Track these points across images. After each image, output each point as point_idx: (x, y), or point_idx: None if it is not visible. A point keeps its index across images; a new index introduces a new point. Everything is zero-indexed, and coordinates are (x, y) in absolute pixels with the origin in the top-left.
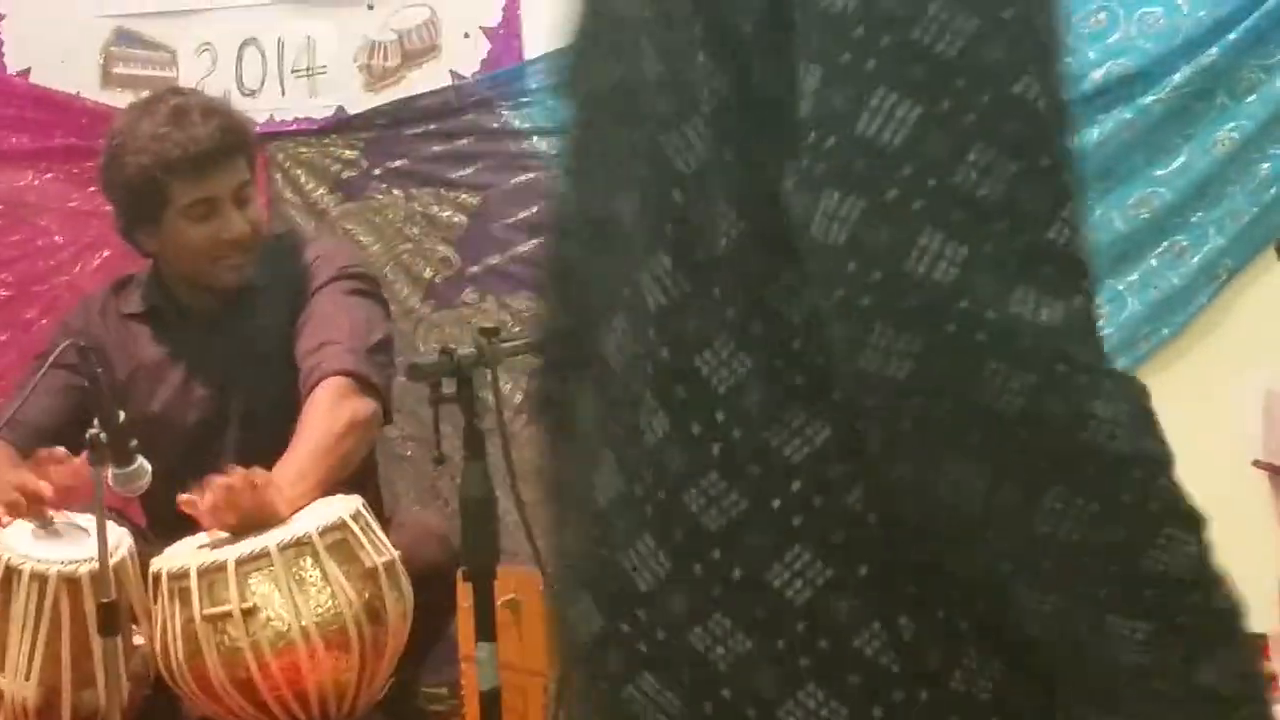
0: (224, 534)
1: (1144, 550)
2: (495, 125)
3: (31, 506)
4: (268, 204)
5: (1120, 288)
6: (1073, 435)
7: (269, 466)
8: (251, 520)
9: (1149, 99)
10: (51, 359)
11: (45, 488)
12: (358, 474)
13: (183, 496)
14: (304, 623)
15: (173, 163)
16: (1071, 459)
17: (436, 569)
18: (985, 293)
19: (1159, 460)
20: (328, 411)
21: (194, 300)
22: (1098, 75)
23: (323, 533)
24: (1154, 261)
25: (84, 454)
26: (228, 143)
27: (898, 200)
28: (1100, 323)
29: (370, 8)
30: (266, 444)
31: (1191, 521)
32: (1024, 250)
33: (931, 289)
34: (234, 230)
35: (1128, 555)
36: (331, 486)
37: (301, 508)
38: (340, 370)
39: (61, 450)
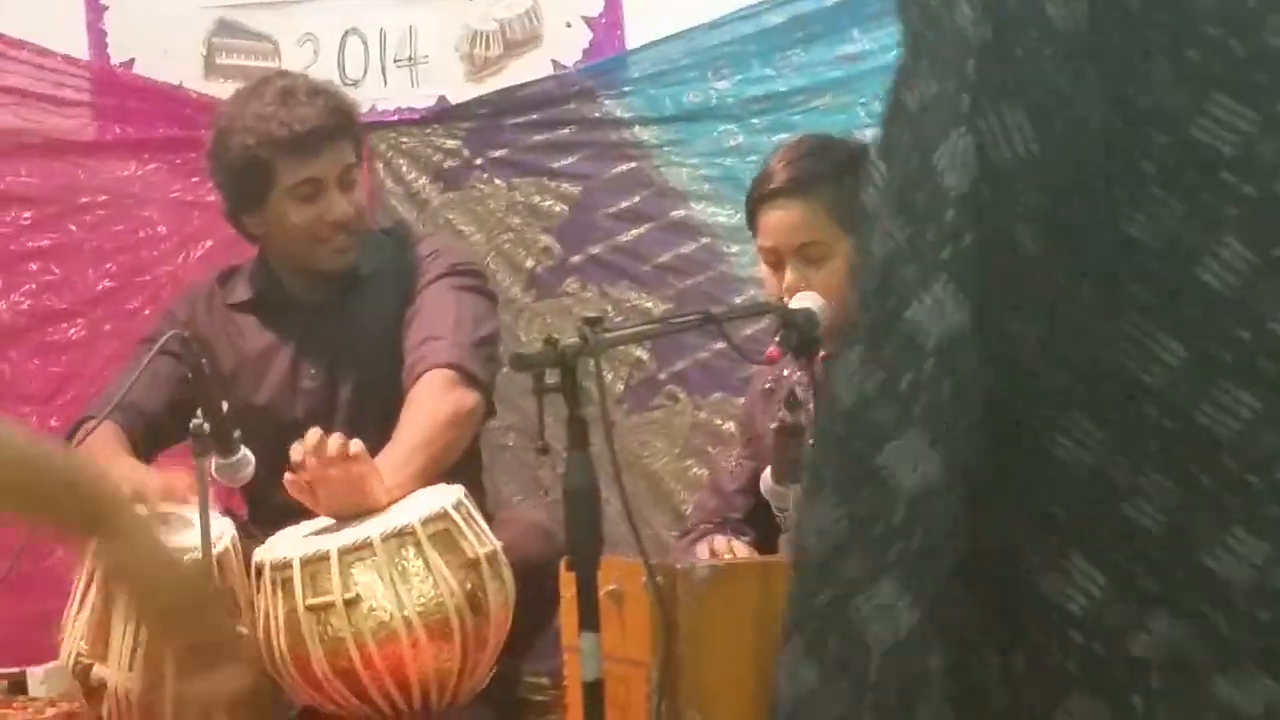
0: (327, 523)
1: None
2: (597, 114)
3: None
4: (370, 194)
5: None
6: None
7: (374, 457)
8: (345, 499)
9: None
10: (157, 346)
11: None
12: (461, 466)
13: (287, 477)
14: (406, 613)
15: (278, 142)
16: None
17: (539, 563)
18: None
19: None
20: (431, 403)
21: (300, 288)
22: None
23: (425, 522)
24: None
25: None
26: (333, 124)
27: None
28: None
29: None
30: (373, 436)
31: None
32: None
33: None
34: (337, 212)
35: None
36: (433, 477)
37: (401, 497)
38: (445, 363)
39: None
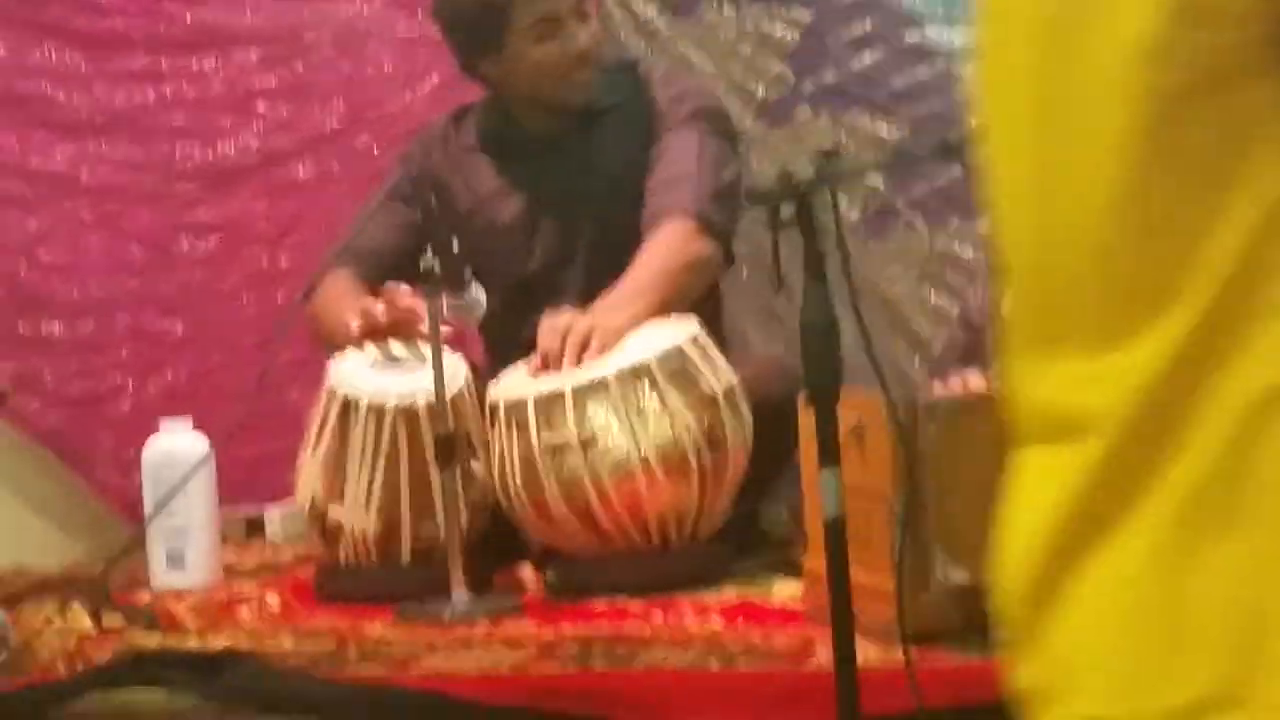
0: None
1: None
2: None
3: (370, 330)
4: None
5: None
6: None
7: None
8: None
9: None
10: (386, 189)
11: (381, 312)
12: (700, 305)
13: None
14: (643, 451)
15: None
16: None
17: (778, 402)
18: None
19: None
20: (667, 249)
21: (536, 125)
22: None
23: (660, 359)
24: None
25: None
26: None
27: None
28: None
29: None
30: (612, 277)
31: None
32: None
33: None
34: (579, 44)
35: None
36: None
37: (628, 333)
38: (686, 211)
39: (404, 286)
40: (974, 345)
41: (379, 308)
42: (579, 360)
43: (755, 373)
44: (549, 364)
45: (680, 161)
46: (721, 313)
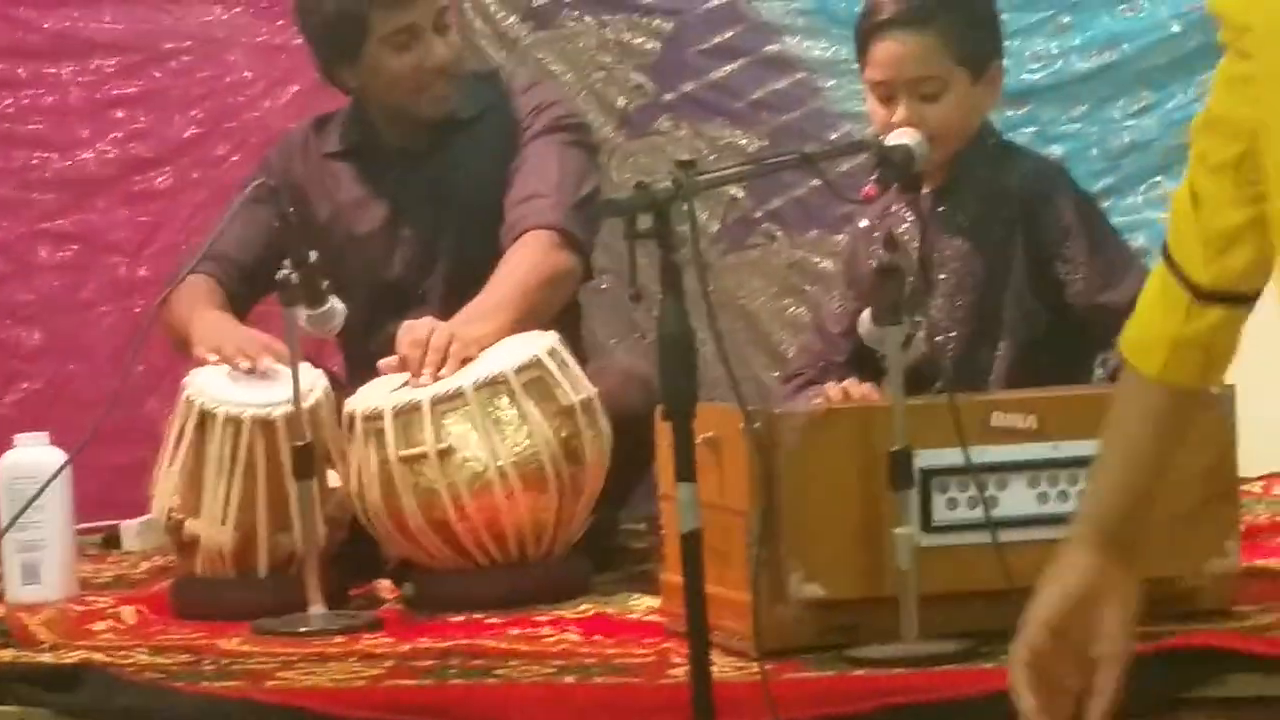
0: None
1: None
2: None
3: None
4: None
5: None
6: None
7: None
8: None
9: None
10: (244, 195)
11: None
12: (560, 320)
13: (381, 362)
14: (501, 463)
15: None
16: None
17: (636, 412)
18: None
19: None
20: (527, 263)
21: (397, 136)
22: None
23: (518, 370)
24: None
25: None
26: None
27: None
28: None
29: None
30: (472, 288)
31: None
32: None
33: None
34: (436, 57)
35: None
36: (521, 332)
37: (488, 345)
38: (546, 224)
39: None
40: (831, 353)
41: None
42: (438, 371)
43: (614, 384)
44: (408, 370)
45: (539, 174)
46: (581, 324)
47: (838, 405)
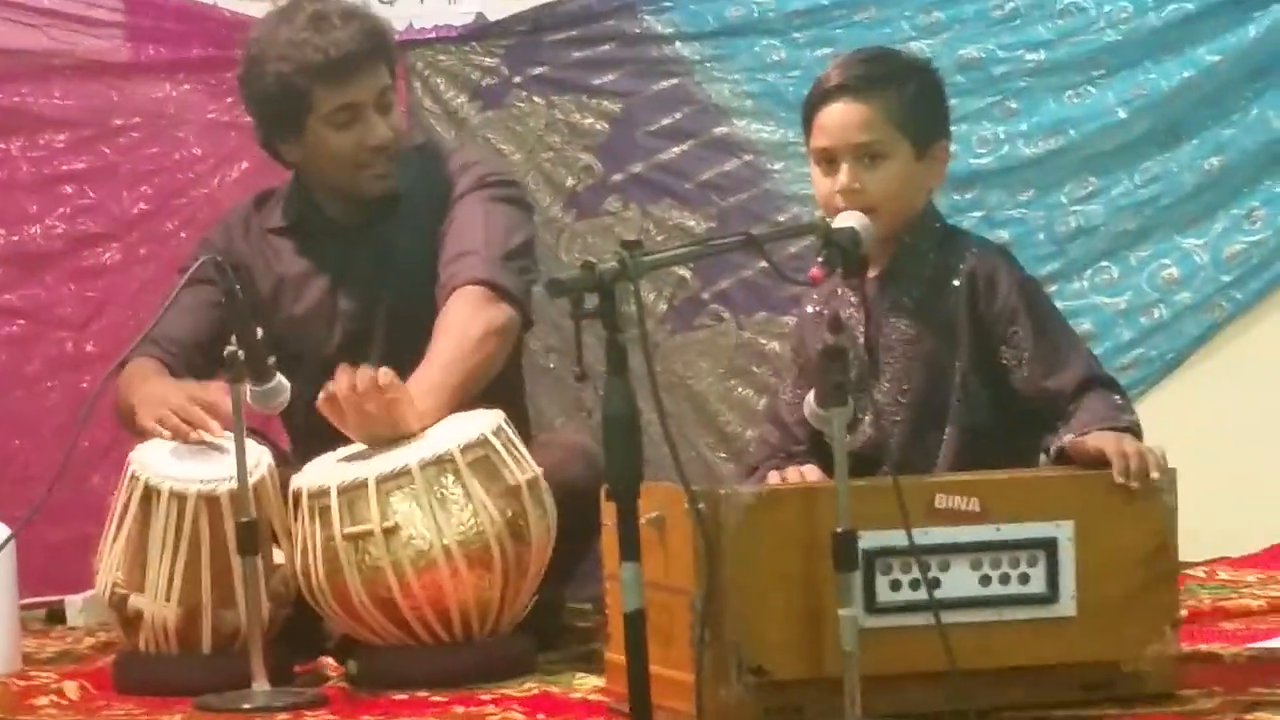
0: (362, 448)
1: None
2: (637, 30)
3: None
4: (407, 113)
5: (1278, 189)
6: None
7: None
8: (379, 425)
9: None
10: (189, 274)
11: (200, 415)
12: (502, 389)
13: (320, 396)
14: (446, 541)
15: (314, 68)
16: None
17: (581, 488)
18: None
19: None
20: (463, 321)
21: (337, 212)
22: None
23: (464, 449)
24: None
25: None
26: (369, 46)
27: None
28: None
29: None
30: (411, 358)
31: None
32: None
33: None
34: (378, 137)
35: None
36: (470, 397)
37: (436, 420)
38: (476, 279)
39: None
40: (788, 443)
41: (173, 412)
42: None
43: (559, 459)
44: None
45: (468, 231)
46: (524, 399)
47: (781, 486)
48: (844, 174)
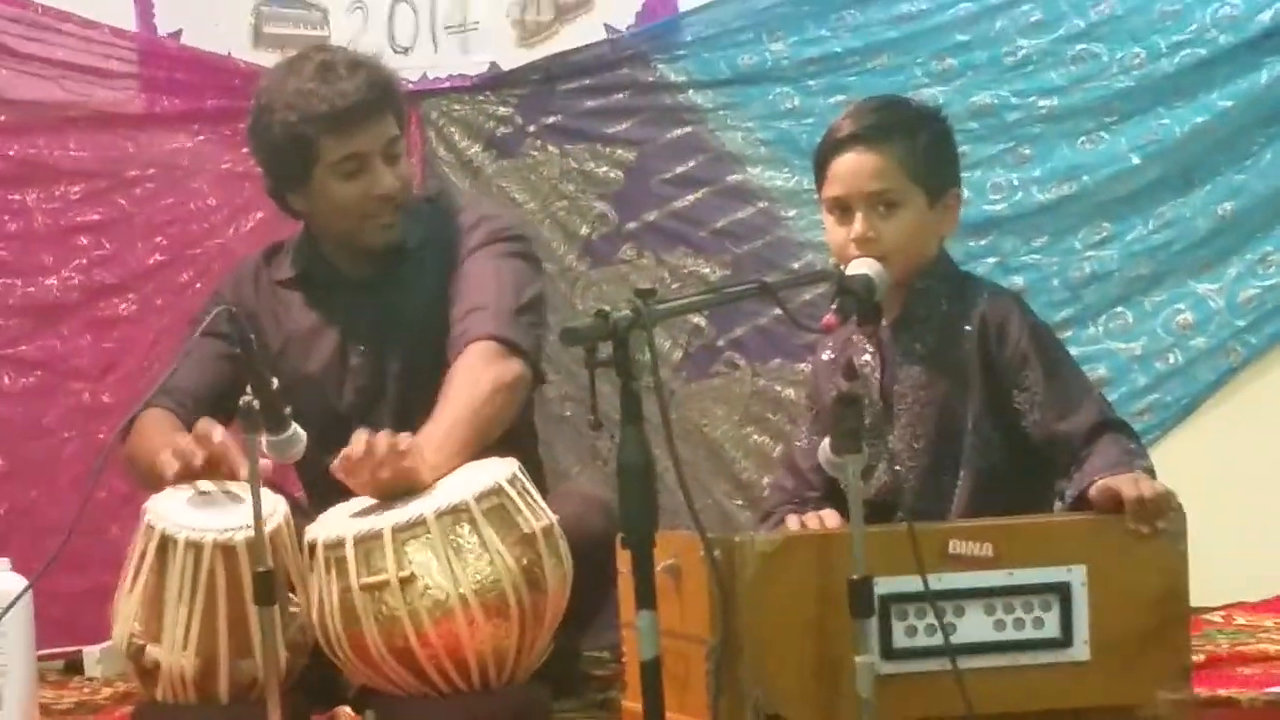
0: (377, 500)
1: None
2: (650, 79)
3: (185, 473)
4: (422, 163)
5: None
6: None
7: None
8: (393, 487)
9: None
10: (204, 326)
11: (194, 453)
12: (516, 439)
13: (334, 462)
14: (462, 590)
15: (320, 118)
16: None
17: (598, 539)
18: None
19: None
20: (472, 376)
21: (346, 263)
22: (1265, 17)
23: (479, 498)
24: None
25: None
26: (375, 96)
27: None
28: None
29: None
30: (425, 410)
31: None
32: None
33: None
34: (384, 186)
35: None
36: (480, 450)
37: (446, 473)
38: (486, 335)
39: (207, 422)
40: (804, 489)
41: (192, 450)
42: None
43: (575, 509)
44: (352, 467)
45: (479, 287)
46: (538, 449)
47: (797, 533)
48: (858, 223)
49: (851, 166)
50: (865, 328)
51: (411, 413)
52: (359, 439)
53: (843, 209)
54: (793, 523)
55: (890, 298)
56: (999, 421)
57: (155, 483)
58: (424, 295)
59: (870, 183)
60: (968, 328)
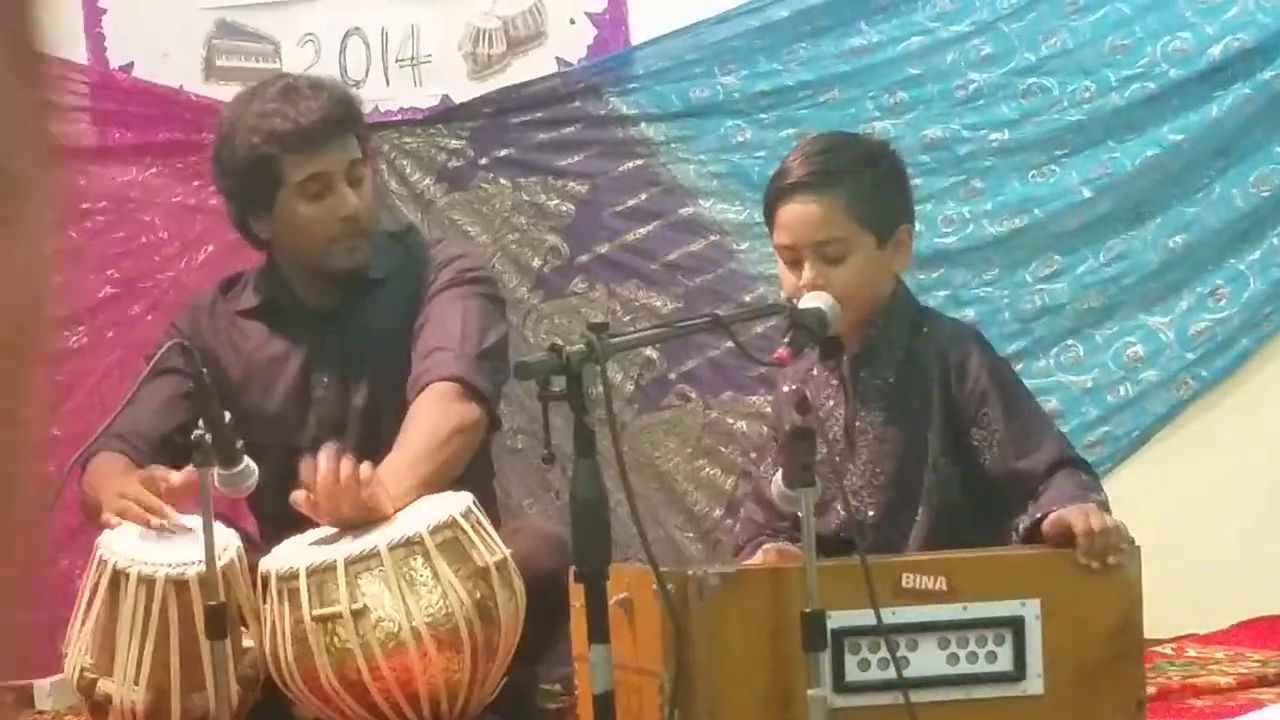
0: (331, 531)
1: None
2: (602, 112)
3: (140, 514)
4: (374, 190)
5: (1242, 267)
6: None
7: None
8: (354, 516)
9: (1268, 74)
10: (153, 362)
11: (156, 501)
12: (470, 473)
13: (295, 494)
14: (415, 623)
15: (283, 137)
16: None
17: (550, 571)
18: None
19: None
20: (434, 416)
21: (310, 292)
22: (1216, 51)
23: (433, 531)
24: (1276, 240)
25: (190, 460)
26: (338, 115)
27: None
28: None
29: None
30: (386, 445)
31: None
32: None
33: None
34: (348, 208)
35: None
36: (434, 490)
37: (405, 505)
38: (449, 376)
39: (162, 470)
40: (773, 521)
41: (127, 504)
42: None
43: (528, 545)
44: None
45: (443, 327)
46: (493, 482)
47: (749, 566)
48: (808, 271)
49: (797, 215)
50: (828, 362)
51: (373, 447)
52: (320, 466)
53: (792, 257)
54: (758, 556)
55: (850, 334)
56: (958, 458)
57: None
58: (389, 327)
59: (816, 232)
60: (927, 364)
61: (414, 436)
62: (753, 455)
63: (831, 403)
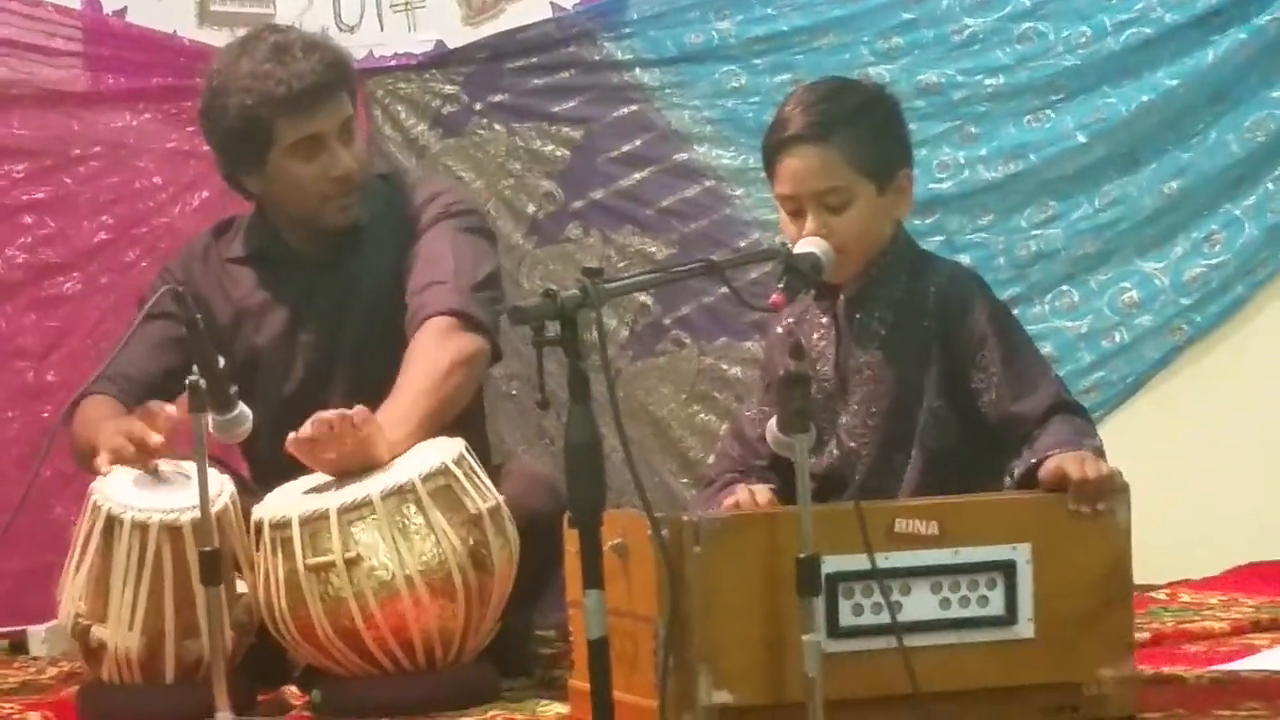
0: (325, 479)
1: None
2: (597, 57)
3: (138, 454)
4: (367, 141)
5: (1237, 212)
6: None
7: (377, 409)
8: (351, 461)
9: (1264, 19)
10: (147, 308)
11: (153, 436)
12: (463, 418)
13: (290, 436)
14: (408, 571)
15: (277, 100)
16: None
17: (545, 517)
18: None
19: None
20: (432, 351)
21: (300, 243)
22: None
23: (425, 479)
24: (1270, 185)
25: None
26: (331, 77)
27: None
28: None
29: None
30: (376, 388)
31: None
32: None
33: None
34: (341, 167)
35: None
36: (440, 427)
37: (405, 450)
38: (445, 309)
39: (157, 403)
40: (750, 458)
41: (125, 442)
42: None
43: (520, 487)
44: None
45: (435, 262)
46: (485, 428)
47: (744, 512)
48: (810, 221)
49: (797, 167)
50: (822, 303)
51: (361, 391)
52: (318, 418)
53: (794, 207)
54: (728, 502)
55: (846, 275)
56: (954, 401)
57: (94, 473)
58: (377, 272)
59: (818, 183)
60: (926, 306)
61: (413, 376)
62: (734, 404)
63: (824, 342)
